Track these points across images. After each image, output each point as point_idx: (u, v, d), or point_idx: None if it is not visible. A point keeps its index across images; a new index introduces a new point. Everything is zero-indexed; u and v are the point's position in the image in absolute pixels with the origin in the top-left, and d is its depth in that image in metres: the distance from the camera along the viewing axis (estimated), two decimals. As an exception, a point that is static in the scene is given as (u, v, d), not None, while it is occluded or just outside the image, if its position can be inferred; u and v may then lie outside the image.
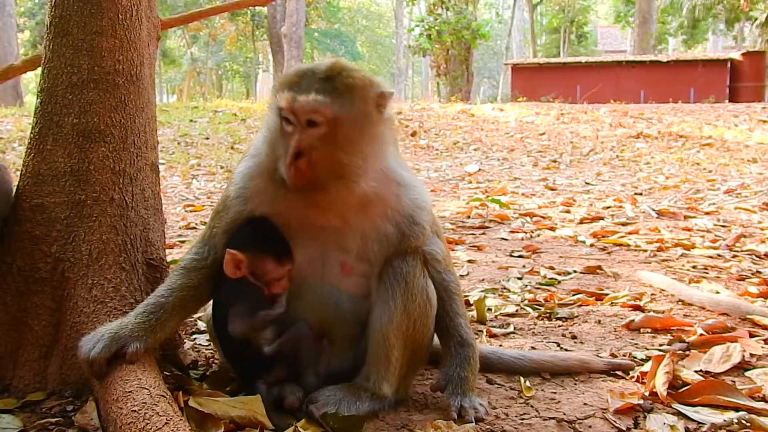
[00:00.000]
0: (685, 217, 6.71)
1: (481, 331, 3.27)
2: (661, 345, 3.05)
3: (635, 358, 2.88)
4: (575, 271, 4.56)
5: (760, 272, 4.43)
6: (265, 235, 2.25)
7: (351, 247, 2.30)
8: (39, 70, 2.73)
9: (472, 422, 2.22)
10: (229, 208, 2.34)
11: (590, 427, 2.24)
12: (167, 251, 2.87)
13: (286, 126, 2.14)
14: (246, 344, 2.25)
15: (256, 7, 36.89)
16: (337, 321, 2.34)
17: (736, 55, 32.22)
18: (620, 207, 7.44)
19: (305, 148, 2.09)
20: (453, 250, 5.21)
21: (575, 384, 2.62)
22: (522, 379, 2.63)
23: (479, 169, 12.43)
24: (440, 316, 2.40)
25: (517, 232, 6.13)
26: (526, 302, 3.81)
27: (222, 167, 12.18)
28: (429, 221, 2.39)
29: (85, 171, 2.46)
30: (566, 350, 3.00)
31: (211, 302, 2.52)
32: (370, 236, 2.30)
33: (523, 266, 4.73)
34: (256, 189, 2.31)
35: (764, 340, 3.02)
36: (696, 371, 2.66)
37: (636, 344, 3.08)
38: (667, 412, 2.32)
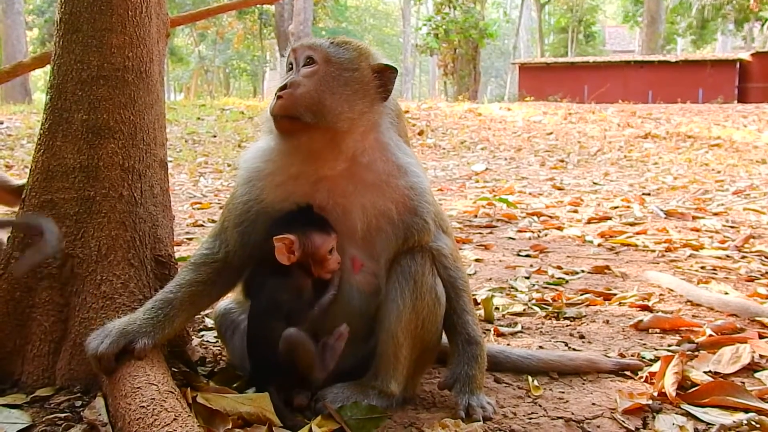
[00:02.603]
0: (694, 218, 6.69)
1: (489, 330, 3.26)
2: (669, 345, 3.04)
3: (644, 358, 2.87)
4: (583, 271, 4.54)
5: (769, 273, 4.41)
6: (301, 215, 2.24)
7: (356, 228, 2.27)
8: (48, 67, 2.73)
9: (479, 421, 2.21)
10: (237, 198, 2.35)
11: (599, 427, 2.23)
12: (175, 248, 2.88)
13: (286, 74, 2.26)
14: (268, 347, 2.24)
15: (264, 6, 36.94)
16: (346, 318, 2.32)
17: (745, 55, 32.07)
18: (628, 207, 7.42)
19: (294, 83, 2.20)
20: (460, 249, 5.20)
21: (583, 384, 2.61)
22: (530, 378, 2.62)
23: (486, 169, 12.43)
24: (447, 314, 2.39)
25: (525, 231, 6.12)
26: (533, 301, 3.80)
27: (229, 165, 12.20)
28: (431, 211, 2.36)
29: (94, 167, 2.46)
30: (574, 350, 2.99)
31: (221, 299, 2.52)
32: (371, 215, 2.28)
33: (531, 266, 4.72)
34: (263, 172, 2.32)
35: (774, 342, 3.01)
36: (705, 372, 2.64)
37: (644, 344, 3.07)
38: (675, 413, 2.31)
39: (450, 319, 2.40)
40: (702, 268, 4.58)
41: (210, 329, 3.23)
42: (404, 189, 2.31)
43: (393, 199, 2.30)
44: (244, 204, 2.32)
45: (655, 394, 2.43)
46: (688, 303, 3.73)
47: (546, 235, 5.99)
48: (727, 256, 4.94)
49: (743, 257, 4.91)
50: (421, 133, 17.18)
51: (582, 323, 3.42)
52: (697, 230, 6.06)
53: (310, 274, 2.26)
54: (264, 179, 2.31)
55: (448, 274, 2.40)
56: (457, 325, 2.40)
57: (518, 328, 3.35)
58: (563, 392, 2.52)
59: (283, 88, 2.19)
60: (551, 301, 3.79)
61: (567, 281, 4.30)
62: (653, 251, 5.15)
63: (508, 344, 3.09)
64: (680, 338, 3.12)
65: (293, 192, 2.28)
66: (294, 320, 2.22)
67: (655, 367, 2.61)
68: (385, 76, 2.28)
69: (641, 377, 2.64)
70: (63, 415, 2.16)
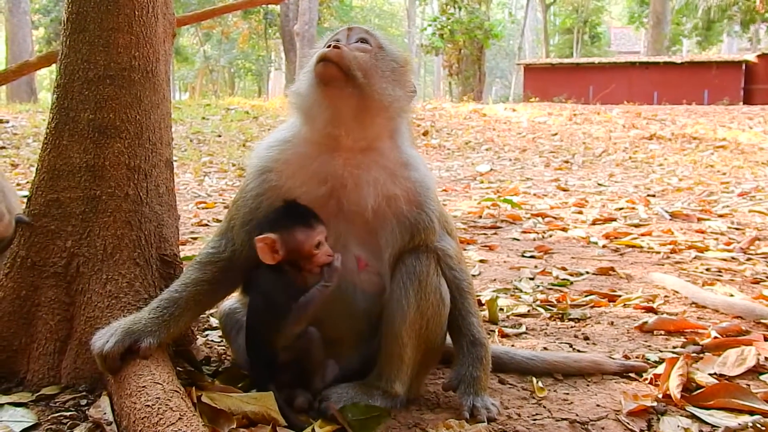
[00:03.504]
0: (699, 220, 6.67)
1: (493, 331, 3.26)
2: (674, 347, 3.03)
3: (648, 360, 2.86)
4: (587, 272, 4.54)
5: (774, 275, 4.39)
6: (287, 211, 2.24)
7: (366, 205, 2.25)
8: (54, 67, 2.74)
9: (484, 422, 2.21)
10: (247, 192, 2.34)
11: (603, 428, 2.22)
12: (180, 248, 2.88)
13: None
14: (266, 345, 2.24)
15: (269, 6, 36.98)
16: (349, 318, 2.33)
17: (751, 56, 31.98)
18: (633, 208, 7.41)
19: (348, 46, 2.24)
20: (465, 249, 5.20)
21: (588, 385, 2.61)
22: (534, 379, 2.62)
23: (491, 169, 12.41)
24: (452, 315, 2.39)
25: (529, 232, 6.11)
26: (538, 303, 3.79)
27: (234, 165, 12.22)
28: (436, 209, 2.36)
29: (100, 166, 2.47)
30: (579, 351, 2.99)
31: (226, 298, 2.52)
32: (381, 194, 2.26)
33: (535, 267, 4.71)
34: (278, 161, 2.32)
35: (779, 344, 3.00)
36: (710, 374, 2.64)
37: (649, 346, 3.07)
38: (680, 415, 2.31)
39: (454, 320, 2.40)
40: (707, 269, 4.57)
41: (214, 329, 3.23)
42: (413, 181, 2.33)
43: (402, 187, 2.31)
44: (254, 198, 2.32)
45: (660, 396, 2.43)
46: (693, 305, 3.72)
47: (551, 236, 5.98)
48: (733, 258, 4.92)
49: (748, 259, 4.90)
50: (425, 134, 17.17)
51: (586, 325, 3.42)
52: (703, 232, 6.04)
53: (301, 270, 2.25)
54: (281, 168, 2.31)
55: (453, 275, 2.40)
56: (462, 327, 2.40)
57: (523, 329, 3.35)
58: (568, 394, 2.51)
59: (339, 46, 2.21)
60: (556, 303, 3.79)
61: (571, 282, 4.29)
62: (658, 253, 5.13)
63: (513, 345, 3.09)
64: (685, 340, 3.11)
65: (310, 171, 2.27)
66: (281, 313, 2.20)
67: (660, 369, 2.60)
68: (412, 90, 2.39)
69: (646, 379, 2.64)
70: (68, 413, 2.17)
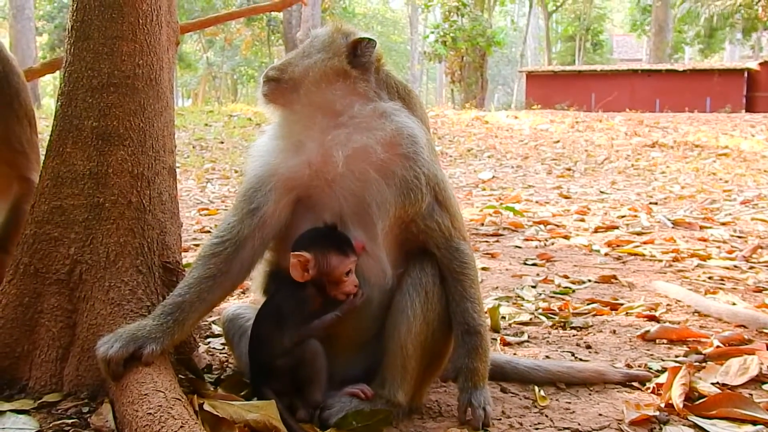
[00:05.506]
0: (701, 228, 6.67)
1: (495, 340, 3.25)
2: (677, 356, 3.03)
3: (651, 369, 2.86)
4: (590, 281, 4.53)
5: (777, 284, 4.38)
6: (326, 234, 2.25)
7: (336, 163, 2.24)
8: (58, 73, 2.75)
9: (478, 429, 2.21)
10: (248, 174, 2.38)
11: (605, 438, 2.22)
12: (182, 255, 2.89)
13: None
14: (265, 349, 2.25)
15: (272, 13, 37.07)
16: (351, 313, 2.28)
17: (753, 64, 32.01)
18: (635, 216, 7.40)
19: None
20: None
21: (590, 394, 2.60)
22: (536, 388, 2.61)
23: (493, 177, 12.40)
24: (447, 300, 2.34)
25: (531, 240, 6.11)
26: (540, 311, 3.79)
27: (236, 171, 12.22)
28: (425, 166, 2.29)
29: (103, 174, 2.47)
30: (581, 360, 2.98)
31: (234, 289, 2.52)
32: (348, 148, 2.25)
33: (537, 274, 4.71)
34: (273, 148, 2.38)
35: (782, 353, 2.99)
36: (713, 383, 2.63)
37: (651, 355, 3.06)
38: (683, 425, 2.31)
39: (449, 306, 2.35)
40: (709, 278, 4.57)
41: (217, 336, 3.23)
42: (389, 130, 2.30)
43: (376, 137, 2.28)
44: (256, 179, 2.35)
45: (663, 405, 2.43)
46: (696, 313, 3.72)
47: (553, 243, 5.98)
48: (735, 267, 4.92)
49: (751, 267, 4.90)
50: (427, 141, 17.15)
51: (589, 333, 3.41)
52: (705, 240, 6.04)
53: (323, 293, 2.26)
54: (273, 152, 2.37)
55: (441, 255, 2.34)
56: (456, 314, 2.33)
57: (525, 337, 3.34)
58: (570, 403, 2.51)
59: None
60: (558, 311, 3.78)
61: (574, 290, 4.28)
62: (660, 261, 5.13)
63: (515, 353, 3.08)
64: (688, 349, 3.11)
65: (295, 166, 2.31)
66: (289, 328, 2.21)
67: (663, 378, 2.60)
68: (360, 46, 2.37)
69: (648, 388, 2.64)
70: (70, 420, 2.17)
